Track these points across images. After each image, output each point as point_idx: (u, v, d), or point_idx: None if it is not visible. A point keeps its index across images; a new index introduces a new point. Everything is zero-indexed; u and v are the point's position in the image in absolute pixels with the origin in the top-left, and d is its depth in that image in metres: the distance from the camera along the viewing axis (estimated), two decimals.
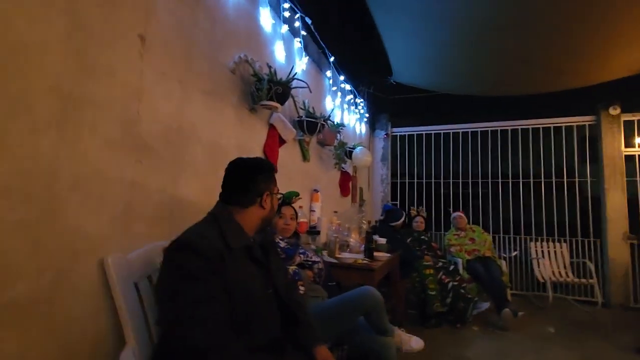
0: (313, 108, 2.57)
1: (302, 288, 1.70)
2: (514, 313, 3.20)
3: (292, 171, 2.55)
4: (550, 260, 4.18)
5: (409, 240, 3.74)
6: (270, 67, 1.99)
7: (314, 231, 2.60)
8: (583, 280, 3.84)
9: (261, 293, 1.13)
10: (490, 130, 4.77)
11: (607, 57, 3.18)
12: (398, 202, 5.11)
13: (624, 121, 4.18)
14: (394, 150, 5.30)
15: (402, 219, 3.75)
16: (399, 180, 5.29)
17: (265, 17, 2.22)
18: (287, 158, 2.48)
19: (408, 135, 5.24)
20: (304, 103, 2.56)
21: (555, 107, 4.42)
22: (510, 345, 2.85)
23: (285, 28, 2.44)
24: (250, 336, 1.05)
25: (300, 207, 2.41)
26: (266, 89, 1.87)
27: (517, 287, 4.51)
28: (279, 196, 1.32)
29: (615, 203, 4.13)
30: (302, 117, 2.48)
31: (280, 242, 1.83)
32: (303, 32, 2.63)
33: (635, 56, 3.16)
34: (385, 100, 4.75)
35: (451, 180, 5.02)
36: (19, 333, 0.91)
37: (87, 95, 1.10)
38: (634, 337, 2.96)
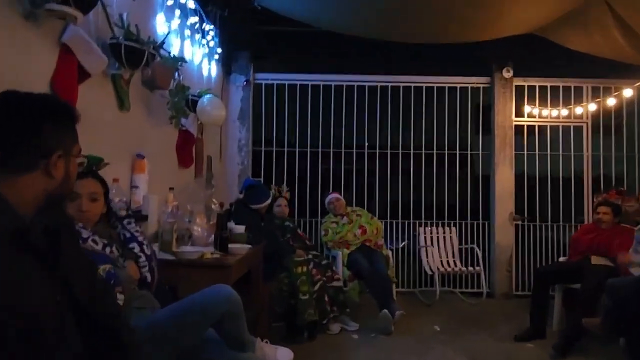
0: (137, 27, 2.42)
1: (120, 296, 1.65)
2: (392, 313, 3.78)
3: (100, 123, 2.37)
4: (439, 248, 5.17)
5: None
6: None
7: (138, 215, 2.50)
8: (470, 269, 4.94)
9: (44, 303, 1.01)
10: (380, 86, 5.39)
11: (503, 10, 3.98)
12: (262, 179, 5.31)
13: (515, 86, 5.34)
14: (257, 105, 5.42)
15: (269, 200, 3.95)
16: (263, 148, 5.48)
17: None
18: (93, 103, 2.29)
19: (277, 84, 5.43)
20: (121, 18, 2.38)
21: (449, 65, 5.32)
22: (392, 350, 3.43)
23: None
24: None
25: (115, 180, 2.30)
26: None
27: (403, 283, 5.36)
28: (81, 159, 1.19)
29: (504, 179, 5.29)
30: (118, 38, 2.31)
31: (85, 234, 1.71)
32: None
33: (528, 14, 4.07)
34: (247, 32, 4.78)
35: (331, 150, 5.48)
36: None
37: None
38: (512, 327, 3.94)
